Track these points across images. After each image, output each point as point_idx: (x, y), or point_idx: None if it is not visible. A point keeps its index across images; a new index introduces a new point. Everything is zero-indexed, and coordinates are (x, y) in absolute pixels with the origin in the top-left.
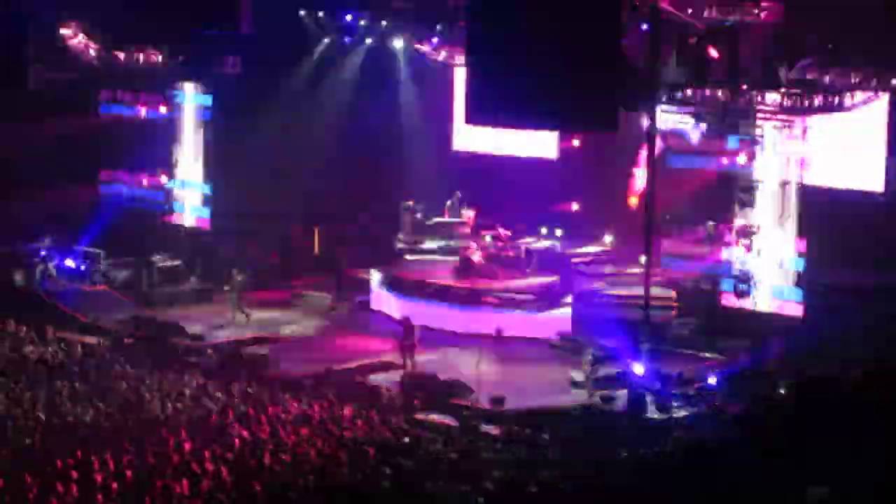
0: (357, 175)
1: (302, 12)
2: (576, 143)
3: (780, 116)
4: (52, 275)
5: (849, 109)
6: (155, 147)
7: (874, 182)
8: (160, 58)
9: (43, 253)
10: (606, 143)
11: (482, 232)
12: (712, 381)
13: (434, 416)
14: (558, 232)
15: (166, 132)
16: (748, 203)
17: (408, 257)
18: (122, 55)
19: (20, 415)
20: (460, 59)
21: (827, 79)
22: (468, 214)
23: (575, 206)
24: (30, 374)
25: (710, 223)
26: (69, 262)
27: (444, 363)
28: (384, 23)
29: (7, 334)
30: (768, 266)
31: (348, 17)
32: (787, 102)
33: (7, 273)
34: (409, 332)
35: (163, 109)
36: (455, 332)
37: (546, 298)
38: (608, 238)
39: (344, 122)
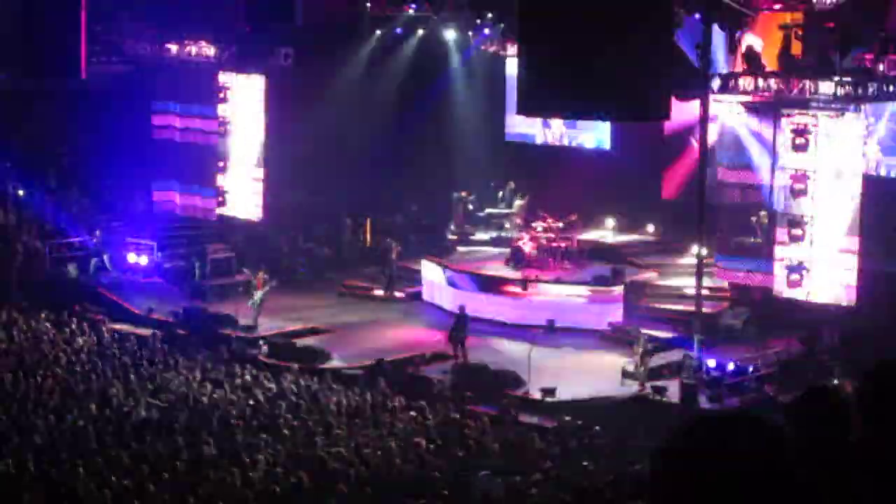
0: (409, 166)
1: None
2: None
3: (834, 106)
4: (105, 267)
5: None
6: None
7: None
8: (212, 50)
9: (96, 245)
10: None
11: (534, 222)
12: (752, 370)
13: (482, 407)
14: (610, 222)
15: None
16: (802, 192)
17: (459, 248)
18: (174, 48)
19: (73, 406)
20: (512, 48)
21: (881, 67)
22: (520, 205)
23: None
24: (83, 366)
25: (762, 213)
26: (123, 255)
27: (496, 354)
28: (436, 14)
29: (60, 326)
30: (822, 255)
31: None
32: (840, 91)
33: (61, 265)
34: (461, 324)
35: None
36: (507, 323)
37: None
38: (651, 227)
39: (396, 113)
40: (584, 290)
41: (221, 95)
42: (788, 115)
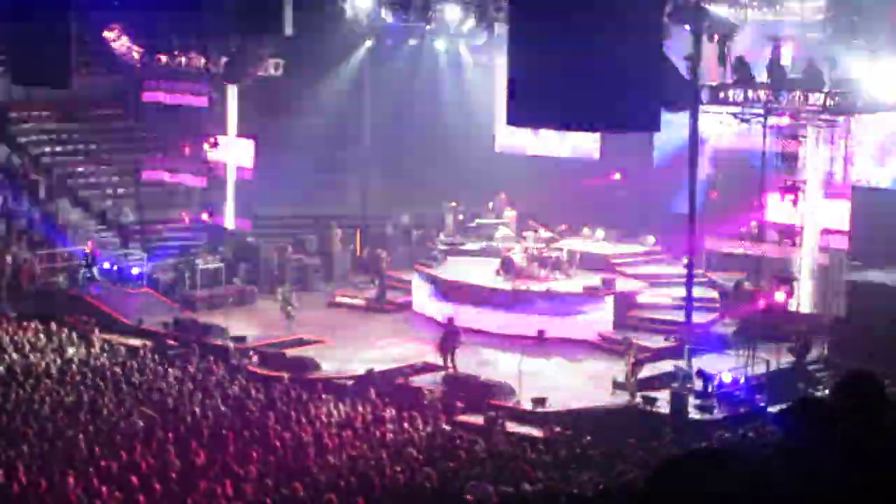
0: (399, 176)
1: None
2: (618, 175)
3: (823, 116)
4: (95, 277)
5: (892, 108)
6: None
7: None
8: (202, 61)
9: (86, 255)
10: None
11: (524, 233)
12: (742, 380)
13: (471, 418)
14: (601, 233)
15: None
16: (791, 203)
17: (450, 258)
18: (164, 58)
19: (63, 417)
20: (502, 59)
21: (869, 79)
22: (510, 215)
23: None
24: (73, 377)
25: (753, 222)
26: (112, 265)
27: (487, 364)
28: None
29: (51, 336)
30: (811, 265)
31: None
32: (829, 102)
33: (51, 275)
34: (451, 334)
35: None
36: (497, 333)
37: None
38: (650, 238)
39: (386, 124)
40: (574, 300)
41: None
42: (778, 126)
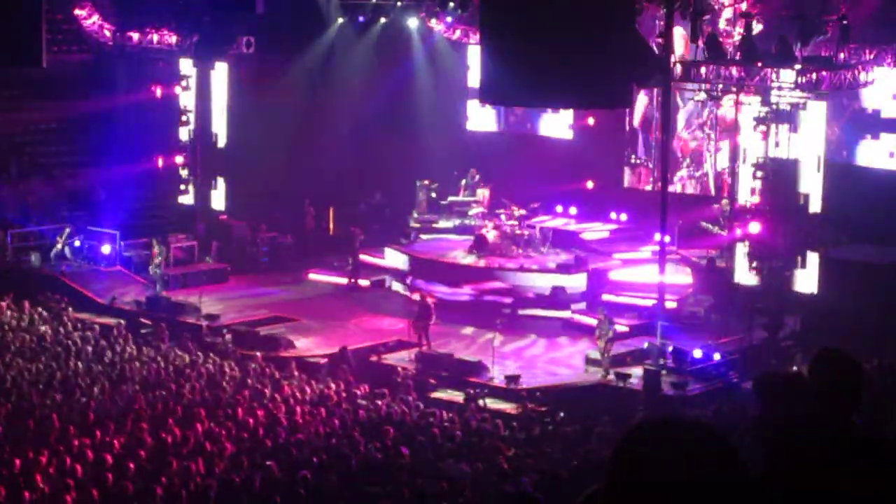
0: (371, 154)
1: None
2: (591, 120)
3: (794, 93)
4: (67, 256)
5: (863, 86)
6: (170, 126)
7: (888, 159)
8: (174, 39)
9: (59, 234)
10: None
11: (497, 211)
12: (717, 357)
13: (446, 395)
14: (573, 210)
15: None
16: (763, 179)
17: (423, 236)
18: (135, 36)
19: (37, 395)
20: (474, 37)
21: (841, 55)
22: (483, 193)
23: (590, 184)
24: (46, 355)
25: (725, 200)
26: (84, 243)
27: (459, 342)
28: (398, 2)
29: (23, 315)
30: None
31: None
32: (801, 79)
33: (23, 254)
34: (424, 311)
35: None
36: (470, 310)
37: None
38: (617, 215)
39: (358, 102)
40: (546, 277)
41: (183, 84)
42: (750, 104)
